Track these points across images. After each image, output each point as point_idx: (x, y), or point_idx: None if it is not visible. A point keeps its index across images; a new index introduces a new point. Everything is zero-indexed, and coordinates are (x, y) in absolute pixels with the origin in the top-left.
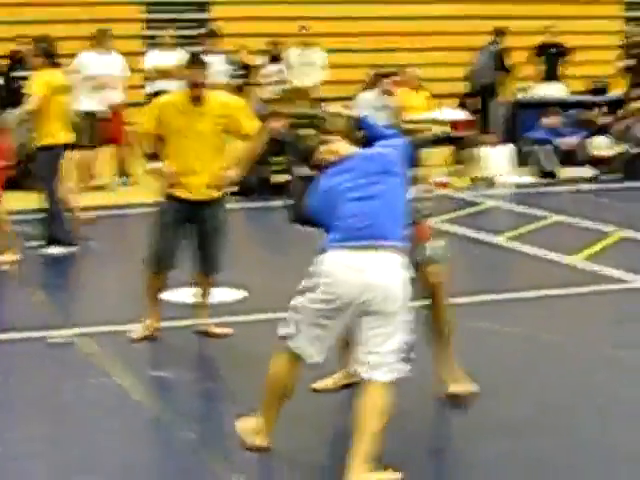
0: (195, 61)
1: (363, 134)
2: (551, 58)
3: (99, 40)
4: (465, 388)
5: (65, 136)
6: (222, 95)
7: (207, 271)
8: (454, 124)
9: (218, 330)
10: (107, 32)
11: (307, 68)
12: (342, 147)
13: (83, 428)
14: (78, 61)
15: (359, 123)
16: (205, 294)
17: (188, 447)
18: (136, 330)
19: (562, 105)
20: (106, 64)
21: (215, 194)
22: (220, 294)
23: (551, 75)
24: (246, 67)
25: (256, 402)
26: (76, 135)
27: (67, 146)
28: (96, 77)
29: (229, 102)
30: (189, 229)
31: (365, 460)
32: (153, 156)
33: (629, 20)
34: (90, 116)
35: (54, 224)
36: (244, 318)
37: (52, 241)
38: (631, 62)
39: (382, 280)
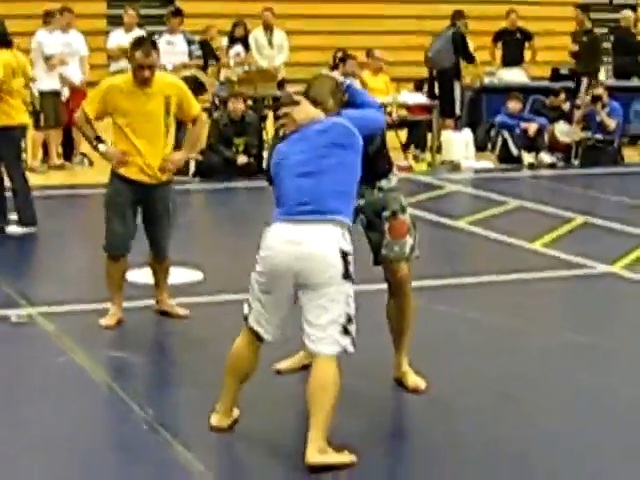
0: (142, 42)
1: (347, 98)
2: (512, 43)
3: (53, 19)
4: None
5: (24, 117)
6: (168, 76)
7: (156, 254)
8: (413, 108)
9: (178, 310)
10: (63, 11)
11: (270, 50)
12: (303, 112)
13: (41, 407)
14: (35, 40)
15: (345, 87)
16: (160, 276)
17: (146, 428)
18: (104, 317)
19: (525, 90)
20: (65, 43)
21: (164, 177)
22: (177, 275)
23: (512, 60)
24: (209, 47)
25: (213, 383)
26: (38, 115)
27: (25, 126)
28: (53, 56)
29: (177, 82)
30: (138, 211)
31: (320, 436)
32: (98, 138)
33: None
34: (52, 95)
35: (21, 204)
36: (201, 299)
37: (17, 220)
38: (576, 48)
39: (317, 251)
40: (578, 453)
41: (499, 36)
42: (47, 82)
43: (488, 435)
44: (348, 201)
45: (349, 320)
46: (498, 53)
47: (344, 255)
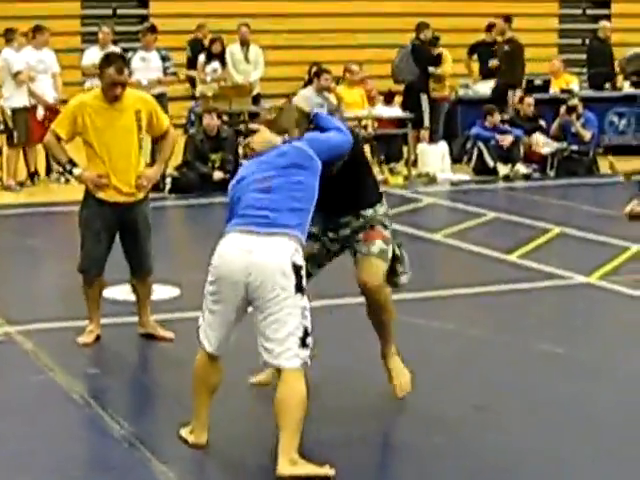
0: (114, 59)
1: (314, 127)
2: (488, 55)
3: (14, 36)
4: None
5: None
6: (136, 91)
7: (140, 271)
8: (386, 121)
9: (162, 332)
10: (36, 30)
11: (246, 65)
12: (261, 138)
13: (19, 425)
14: (1, 58)
15: (312, 118)
16: (142, 295)
17: (124, 444)
18: (82, 335)
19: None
20: (37, 60)
21: (140, 194)
22: (154, 292)
23: (488, 72)
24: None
25: (190, 400)
26: (11, 132)
27: None
28: (20, 72)
29: (146, 97)
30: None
31: (291, 448)
32: (71, 162)
33: (564, 17)
34: (23, 111)
35: None
36: (178, 315)
37: None
38: (496, 62)
39: (269, 261)
40: (557, 461)
41: (474, 49)
42: (17, 99)
43: (465, 446)
44: (304, 218)
45: (306, 333)
46: (475, 65)
47: (297, 269)
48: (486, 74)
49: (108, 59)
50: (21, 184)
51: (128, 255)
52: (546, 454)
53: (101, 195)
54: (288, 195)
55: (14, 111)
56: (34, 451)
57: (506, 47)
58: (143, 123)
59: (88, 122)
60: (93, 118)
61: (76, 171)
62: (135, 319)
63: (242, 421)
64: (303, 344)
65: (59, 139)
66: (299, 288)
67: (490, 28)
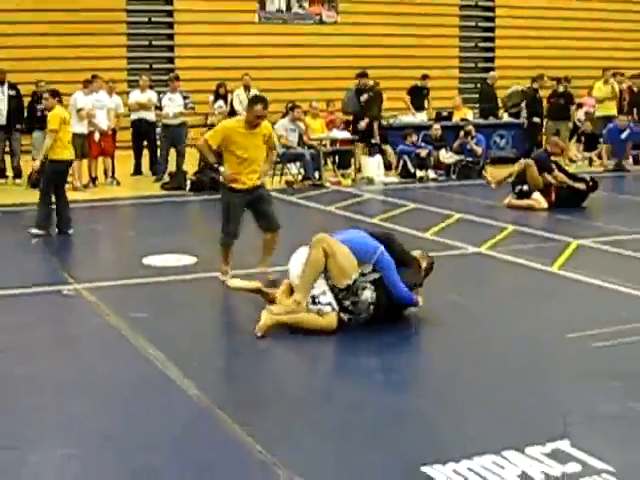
0: (262, 100)
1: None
2: (419, 95)
3: (87, 84)
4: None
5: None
6: (265, 122)
7: (271, 226)
8: (340, 141)
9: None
10: (94, 78)
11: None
12: None
13: (83, 352)
14: (72, 98)
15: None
16: (269, 247)
17: (157, 363)
18: (225, 276)
19: (418, 127)
20: (95, 99)
21: (258, 182)
22: (179, 259)
23: (419, 107)
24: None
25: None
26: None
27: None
28: (82, 109)
29: (268, 125)
30: (246, 207)
31: None
32: (218, 163)
33: (462, 69)
34: (79, 137)
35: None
36: (196, 276)
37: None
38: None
39: None
40: (453, 376)
41: (411, 90)
42: (77, 127)
43: (391, 362)
44: None
45: None
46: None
47: None
48: (417, 108)
49: (257, 98)
50: (85, 186)
51: (262, 219)
52: (448, 369)
53: (233, 185)
54: None
55: (74, 135)
56: (91, 375)
57: (371, 93)
58: (266, 141)
59: (233, 139)
60: (238, 137)
61: (221, 168)
62: (166, 278)
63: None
64: None
65: (210, 147)
66: None
67: (424, 78)
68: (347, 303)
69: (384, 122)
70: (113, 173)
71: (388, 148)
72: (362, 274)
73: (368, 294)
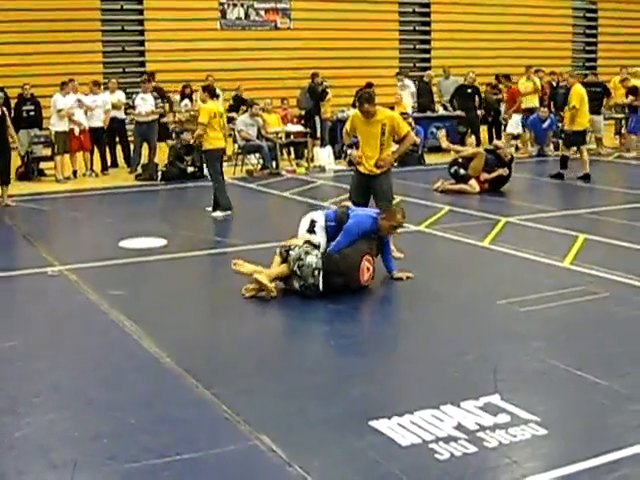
0: (369, 100)
1: None
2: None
3: (65, 86)
4: None
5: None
6: (386, 110)
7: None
8: (295, 134)
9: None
10: (71, 82)
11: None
12: None
13: (66, 327)
14: (53, 99)
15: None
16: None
17: (134, 336)
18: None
19: None
20: (75, 100)
21: (378, 171)
22: (150, 241)
23: None
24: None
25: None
26: (52, 145)
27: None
28: (62, 110)
29: (392, 115)
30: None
31: None
32: (350, 146)
33: (402, 69)
34: (61, 134)
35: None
36: (166, 256)
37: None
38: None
39: None
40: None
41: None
42: (58, 125)
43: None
44: None
45: None
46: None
47: None
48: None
49: (361, 96)
50: (67, 178)
51: (377, 200)
52: (392, 334)
53: (359, 168)
54: None
55: (56, 133)
56: (76, 340)
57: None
58: (386, 130)
59: (357, 126)
60: (358, 125)
61: (349, 150)
62: (140, 259)
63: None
64: None
65: (347, 132)
66: None
67: (370, 86)
68: (296, 268)
69: (335, 117)
70: (92, 166)
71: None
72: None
73: (313, 260)
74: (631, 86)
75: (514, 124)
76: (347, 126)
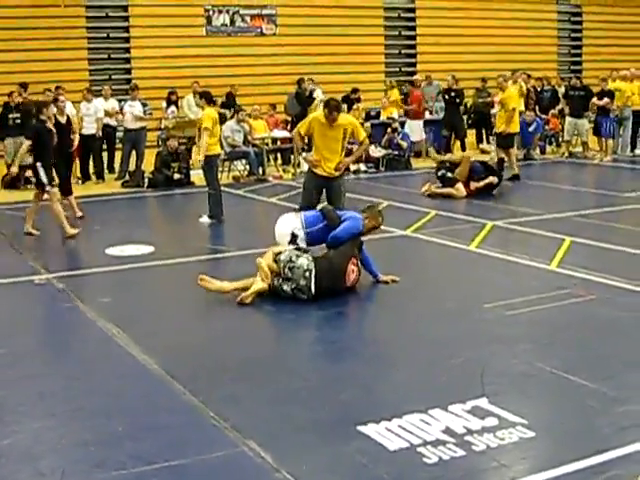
0: (338, 108)
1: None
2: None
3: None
4: None
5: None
6: (348, 116)
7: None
8: (281, 139)
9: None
10: (58, 88)
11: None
12: None
13: (55, 333)
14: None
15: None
16: None
17: (118, 340)
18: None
19: None
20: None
21: (337, 173)
22: (138, 249)
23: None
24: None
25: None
26: None
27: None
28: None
29: (351, 119)
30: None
31: None
32: (304, 149)
33: (388, 74)
34: None
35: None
36: (153, 263)
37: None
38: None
39: None
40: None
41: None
42: None
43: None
44: None
45: None
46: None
47: None
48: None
49: (330, 105)
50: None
51: (332, 202)
52: (380, 339)
53: (315, 170)
54: None
55: None
56: (63, 347)
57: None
58: (347, 134)
59: (315, 129)
60: (318, 128)
61: (304, 154)
62: (127, 266)
63: None
64: None
65: (300, 134)
66: None
67: (356, 92)
68: (286, 270)
69: None
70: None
71: None
72: (297, 248)
73: (304, 261)
74: (607, 89)
75: None
76: (302, 129)
